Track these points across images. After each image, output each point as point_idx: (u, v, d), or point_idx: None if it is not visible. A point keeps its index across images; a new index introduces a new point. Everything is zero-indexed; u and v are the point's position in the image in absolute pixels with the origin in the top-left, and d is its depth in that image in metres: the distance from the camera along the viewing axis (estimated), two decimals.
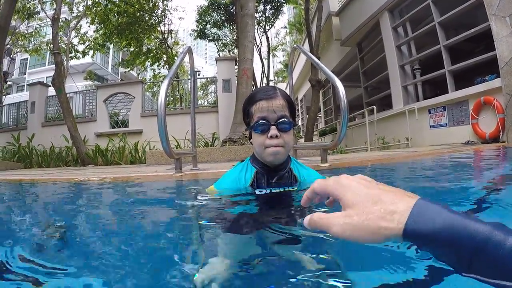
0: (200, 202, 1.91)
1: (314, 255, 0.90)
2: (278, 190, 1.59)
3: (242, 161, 1.77)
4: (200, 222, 1.45)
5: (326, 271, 0.81)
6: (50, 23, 11.50)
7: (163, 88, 3.02)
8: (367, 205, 0.51)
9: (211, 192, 1.77)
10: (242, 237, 1.16)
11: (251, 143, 1.62)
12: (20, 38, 20.37)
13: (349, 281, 0.74)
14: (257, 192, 1.59)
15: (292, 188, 1.64)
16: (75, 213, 1.98)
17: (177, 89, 13.07)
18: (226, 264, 0.86)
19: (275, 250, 1.03)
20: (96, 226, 1.59)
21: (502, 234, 0.40)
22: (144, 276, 0.86)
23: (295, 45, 5.08)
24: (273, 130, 1.48)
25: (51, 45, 13.22)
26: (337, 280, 0.74)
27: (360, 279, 0.78)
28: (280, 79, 42.84)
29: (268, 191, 1.58)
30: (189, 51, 4.37)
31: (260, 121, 1.50)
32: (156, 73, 26.07)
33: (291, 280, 0.77)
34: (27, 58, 37.48)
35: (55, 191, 3.41)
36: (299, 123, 29.42)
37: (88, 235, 1.39)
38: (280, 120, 1.50)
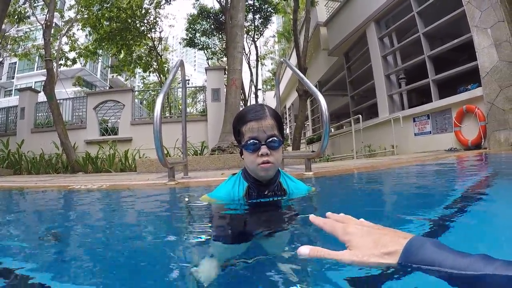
0: (195, 210, 2.09)
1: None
2: (268, 200, 1.73)
3: (234, 174, 1.87)
4: (194, 229, 1.61)
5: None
6: (40, 27, 11.47)
7: (158, 103, 3.17)
8: (369, 247, 0.64)
9: (205, 201, 1.90)
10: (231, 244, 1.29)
11: (243, 159, 1.74)
12: (10, 42, 20.19)
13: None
14: (249, 202, 1.73)
15: (282, 199, 1.77)
16: (79, 221, 2.10)
17: (167, 97, 13.16)
18: (215, 265, 0.99)
19: (262, 253, 1.15)
20: (96, 232, 1.72)
21: (480, 267, 0.49)
22: (140, 275, 0.97)
23: (281, 59, 5.25)
24: (264, 149, 1.61)
25: (42, 51, 13.18)
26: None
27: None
28: (269, 87, 42.89)
29: (259, 201, 1.72)
30: (181, 64, 4.54)
31: (251, 141, 1.62)
32: (146, 79, 26.04)
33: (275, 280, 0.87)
34: (16, 62, 37.07)
35: (56, 199, 3.53)
36: (287, 131, 29.56)
37: (89, 240, 1.51)
38: (270, 139, 1.62)
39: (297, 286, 0.81)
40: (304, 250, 0.70)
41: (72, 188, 3.78)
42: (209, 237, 1.36)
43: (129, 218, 2.20)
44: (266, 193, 1.76)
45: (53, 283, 0.90)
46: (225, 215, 1.77)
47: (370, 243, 0.64)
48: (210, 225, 1.63)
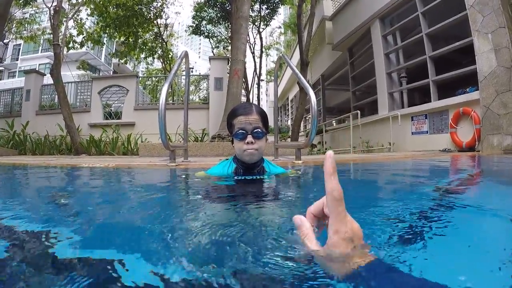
0: (192, 183, 2.55)
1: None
2: (251, 177, 2.16)
3: (227, 158, 2.34)
4: (191, 197, 1.92)
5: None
6: (46, 10, 11.51)
7: (164, 91, 3.49)
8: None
9: (201, 176, 2.37)
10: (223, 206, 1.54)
11: (233, 146, 2.14)
12: (16, 25, 20.21)
13: None
14: (236, 177, 2.17)
15: (263, 177, 2.21)
16: (96, 192, 2.42)
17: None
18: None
19: (248, 217, 1.31)
20: (112, 201, 1.97)
21: None
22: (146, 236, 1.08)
23: (280, 54, 5.48)
24: (249, 138, 2.02)
25: (48, 34, 13.21)
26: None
27: None
28: (272, 77, 42.82)
29: (243, 178, 2.16)
30: (186, 55, 4.74)
31: (240, 131, 2.03)
32: (150, 65, 26.13)
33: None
34: (20, 44, 37.02)
35: (68, 174, 3.83)
36: (289, 122, 29.73)
37: (105, 208, 1.73)
38: (255, 130, 2.03)
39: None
40: (297, 221, 0.67)
41: (81, 166, 4.05)
42: (203, 204, 1.60)
43: (136, 190, 2.52)
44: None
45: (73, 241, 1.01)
46: (216, 186, 2.16)
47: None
48: (204, 193, 1.94)
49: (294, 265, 0.68)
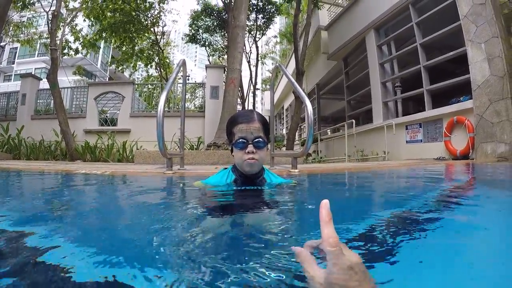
0: (189, 192, 2.54)
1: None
2: (251, 188, 2.08)
3: (226, 168, 2.24)
4: (188, 205, 1.88)
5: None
6: (43, 14, 11.47)
7: (162, 99, 3.51)
8: None
9: (198, 186, 2.28)
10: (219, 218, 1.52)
11: (233, 155, 2.07)
12: (13, 28, 20.14)
13: None
14: (235, 187, 2.08)
15: (263, 188, 2.13)
16: (96, 200, 2.41)
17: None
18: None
19: (247, 228, 1.32)
20: (108, 209, 1.99)
21: None
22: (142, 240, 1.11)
23: (277, 64, 5.55)
24: (250, 147, 1.94)
25: (46, 39, 13.17)
26: None
27: None
28: (268, 86, 42.91)
29: (243, 188, 2.08)
30: (183, 63, 4.79)
31: (240, 140, 1.96)
32: (149, 74, 26.14)
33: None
34: (17, 47, 36.87)
35: (64, 180, 3.84)
36: (284, 131, 29.79)
37: (102, 215, 1.75)
38: (256, 140, 1.96)
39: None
40: (296, 250, 0.68)
41: (77, 173, 4.06)
42: (200, 212, 1.60)
43: (133, 197, 2.48)
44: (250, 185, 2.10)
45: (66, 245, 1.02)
46: (214, 196, 2.08)
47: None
48: (201, 202, 1.90)
49: None
